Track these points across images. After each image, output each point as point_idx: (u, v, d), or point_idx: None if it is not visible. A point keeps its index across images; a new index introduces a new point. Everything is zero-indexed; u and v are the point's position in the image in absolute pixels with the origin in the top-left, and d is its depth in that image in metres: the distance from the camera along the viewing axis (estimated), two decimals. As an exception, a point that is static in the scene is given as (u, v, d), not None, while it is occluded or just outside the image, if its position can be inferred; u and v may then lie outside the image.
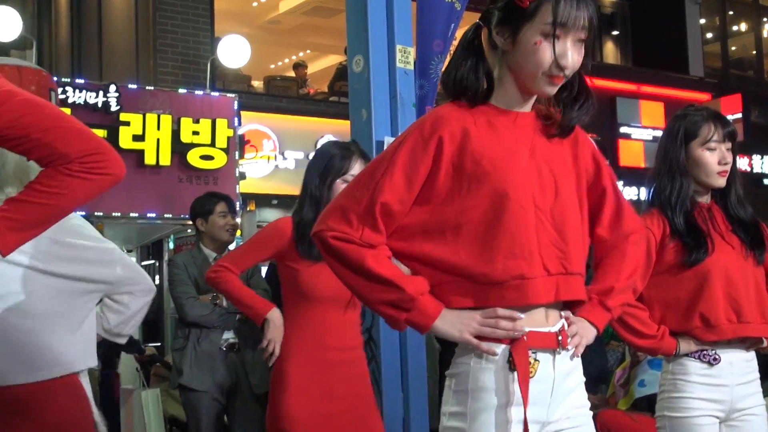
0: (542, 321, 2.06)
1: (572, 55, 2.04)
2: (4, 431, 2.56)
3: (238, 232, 7.99)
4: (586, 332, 2.13)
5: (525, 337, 1.99)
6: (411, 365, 4.39)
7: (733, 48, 19.28)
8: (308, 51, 17.37)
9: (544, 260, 2.03)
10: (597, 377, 6.01)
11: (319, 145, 12.15)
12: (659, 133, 15.46)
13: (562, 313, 2.11)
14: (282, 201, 12.12)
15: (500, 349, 1.99)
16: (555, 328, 2.06)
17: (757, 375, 3.11)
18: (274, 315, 3.46)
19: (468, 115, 2.12)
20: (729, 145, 3.07)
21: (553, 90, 2.08)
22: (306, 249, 3.36)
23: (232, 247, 5.58)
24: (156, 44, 12.14)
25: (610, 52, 17.11)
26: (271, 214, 12.47)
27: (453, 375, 2.10)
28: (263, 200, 12.32)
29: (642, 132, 15.43)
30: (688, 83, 16.76)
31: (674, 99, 15.71)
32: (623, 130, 15.21)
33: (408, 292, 2.00)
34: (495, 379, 2.01)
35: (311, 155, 12.53)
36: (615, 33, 17.19)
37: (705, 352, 3.00)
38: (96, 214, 8.63)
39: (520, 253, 2.00)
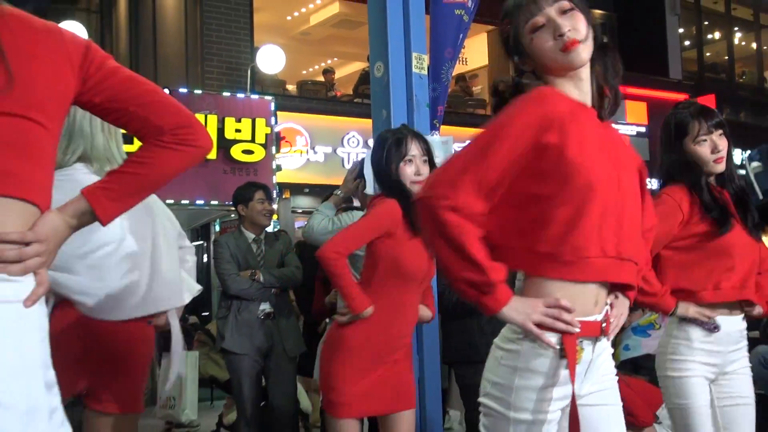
0: (591, 308, 1.99)
1: (561, 20, 2.01)
2: (97, 362, 2.62)
3: (274, 216, 8.00)
4: (624, 312, 2.10)
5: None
6: (426, 332, 4.39)
7: (708, 54, 19.14)
8: (335, 59, 17.36)
9: (602, 243, 1.95)
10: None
11: (345, 141, 12.36)
12: (642, 129, 15.46)
13: (608, 300, 2.05)
14: (313, 189, 12.12)
15: (555, 338, 1.93)
16: (601, 317, 2.01)
17: (746, 342, 3.10)
18: (367, 313, 3.26)
19: (559, 105, 2.02)
20: (719, 132, 3.02)
21: (577, 57, 2.02)
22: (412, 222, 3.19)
23: (269, 229, 5.58)
24: (203, 54, 12.15)
25: (600, 59, 17.04)
26: (303, 201, 12.53)
27: (504, 350, 2.03)
28: (297, 189, 12.32)
29: (627, 128, 15.34)
30: (668, 85, 16.66)
31: (655, 99, 15.66)
32: (612, 124, 15.07)
33: (491, 278, 1.91)
34: (544, 364, 1.96)
35: (338, 150, 12.51)
36: (604, 41, 17.08)
37: (708, 322, 2.96)
38: (152, 201, 8.69)
39: (580, 234, 1.93)
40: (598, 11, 16.81)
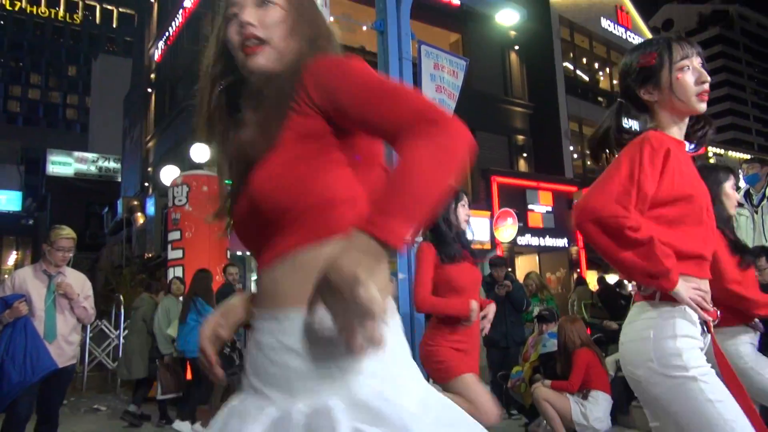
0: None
1: (706, 72, 1.62)
2: None
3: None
4: None
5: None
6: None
7: (588, 162, 19.26)
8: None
9: (709, 247, 1.64)
10: (519, 342, 5.84)
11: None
12: (549, 209, 15.33)
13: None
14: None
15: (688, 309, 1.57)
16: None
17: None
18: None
19: (667, 139, 1.64)
20: None
21: (704, 106, 1.63)
22: (446, 254, 2.94)
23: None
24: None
25: (522, 166, 17.08)
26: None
27: (649, 327, 1.57)
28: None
29: (541, 208, 15.30)
30: (565, 181, 16.62)
31: (557, 190, 15.64)
32: (530, 206, 15.04)
33: (667, 266, 1.52)
34: (695, 331, 1.57)
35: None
36: (525, 155, 17.18)
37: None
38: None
39: (702, 241, 1.61)
40: (521, 137, 16.97)
